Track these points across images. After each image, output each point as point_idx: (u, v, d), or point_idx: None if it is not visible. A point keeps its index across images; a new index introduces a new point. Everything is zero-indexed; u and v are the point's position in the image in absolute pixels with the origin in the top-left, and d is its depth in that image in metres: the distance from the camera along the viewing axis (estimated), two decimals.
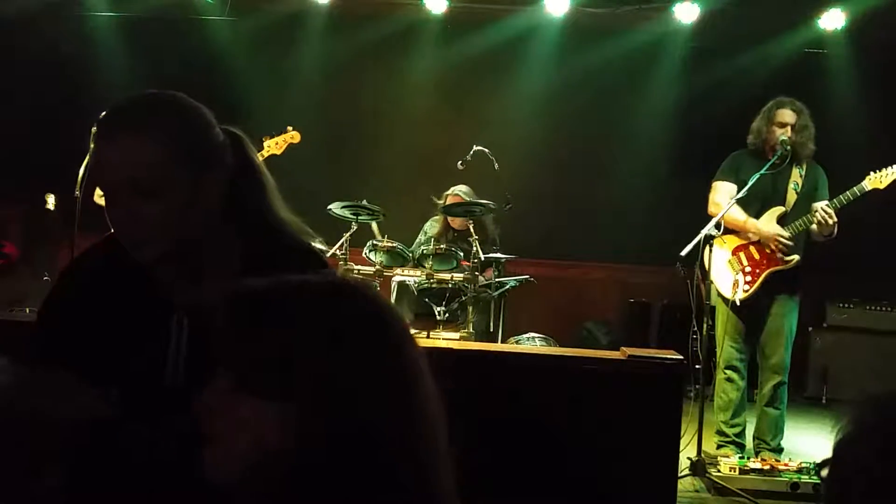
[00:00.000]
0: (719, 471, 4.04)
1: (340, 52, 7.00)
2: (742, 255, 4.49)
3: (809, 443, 4.95)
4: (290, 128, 4.97)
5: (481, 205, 5.05)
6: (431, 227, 5.71)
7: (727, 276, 4.48)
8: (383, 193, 5.75)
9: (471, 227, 5.06)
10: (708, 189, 4.63)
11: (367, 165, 6.91)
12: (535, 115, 7.03)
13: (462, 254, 5.12)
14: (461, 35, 6.95)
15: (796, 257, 4.42)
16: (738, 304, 4.39)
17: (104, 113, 1.46)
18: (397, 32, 6.94)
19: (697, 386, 4.50)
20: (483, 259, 4.96)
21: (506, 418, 3.17)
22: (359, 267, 5.05)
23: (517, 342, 5.16)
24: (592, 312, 6.98)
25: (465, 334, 4.85)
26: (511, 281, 5.26)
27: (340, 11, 6.91)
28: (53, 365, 1.37)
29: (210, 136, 1.50)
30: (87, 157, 4.14)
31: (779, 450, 4.48)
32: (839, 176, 4.50)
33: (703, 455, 4.11)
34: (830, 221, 4.25)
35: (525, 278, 5.32)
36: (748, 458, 4.20)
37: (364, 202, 5.05)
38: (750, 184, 4.26)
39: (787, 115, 4.45)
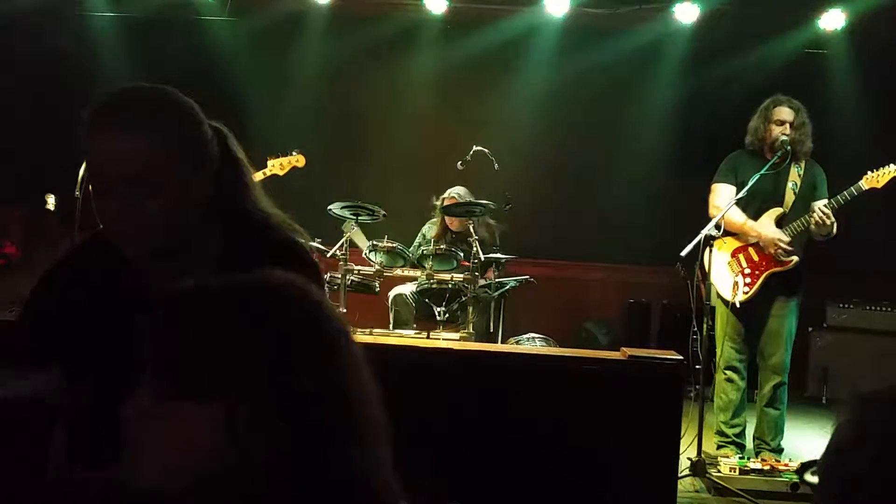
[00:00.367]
0: (719, 471, 4.04)
1: (340, 52, 6.99)
2: (741, 256, 4.49)
3: (809, 443, 4.95)
4: (295, 151, 5.15)
5: (480, 205, 5.05)
6: (429, 229, 5.71)
7: (727, 278, 4.48)
8: (383, 193, 5.75)
9: (471, 227, 5.07)
10: (708, 189, 4.62)
11: (367, 165, 6.91)
12: (535, 115, 7.02)
13: (462, 254, 5.12)
14: (461, 35, 6.95)
15: (795, 258, 4.41)
16: (737, 305, 4.39)
17: (99, 104, 1.44)
18: (397, 32, 6.94)
19: (697, 386, 4.49)
20: (483, 259, 4.96)
21: (506, 418, 3.17)
22: (359, 267, 5.06)
23: (517, 342, 5.15)
24: (592, 312, 6.98)
25: (465, 335, 4.85)
26: (511, 281, 5.25)
27: (340, 11, 6.91)
28: (29, 360, 1.37)
29: (203, 132, 1.51)
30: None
31: (779, 450, 4.48)
32: (839, 176, 4.49)
33: (703, 455, 4.11)
34: (828, 222, 4.25)
35: (525, 278, 5.32)
36: (748, 459, 4.20)
37: (363, 202, 5.05)
38: (750, 184, 4.25)
39: (784, 112, 4.44)
